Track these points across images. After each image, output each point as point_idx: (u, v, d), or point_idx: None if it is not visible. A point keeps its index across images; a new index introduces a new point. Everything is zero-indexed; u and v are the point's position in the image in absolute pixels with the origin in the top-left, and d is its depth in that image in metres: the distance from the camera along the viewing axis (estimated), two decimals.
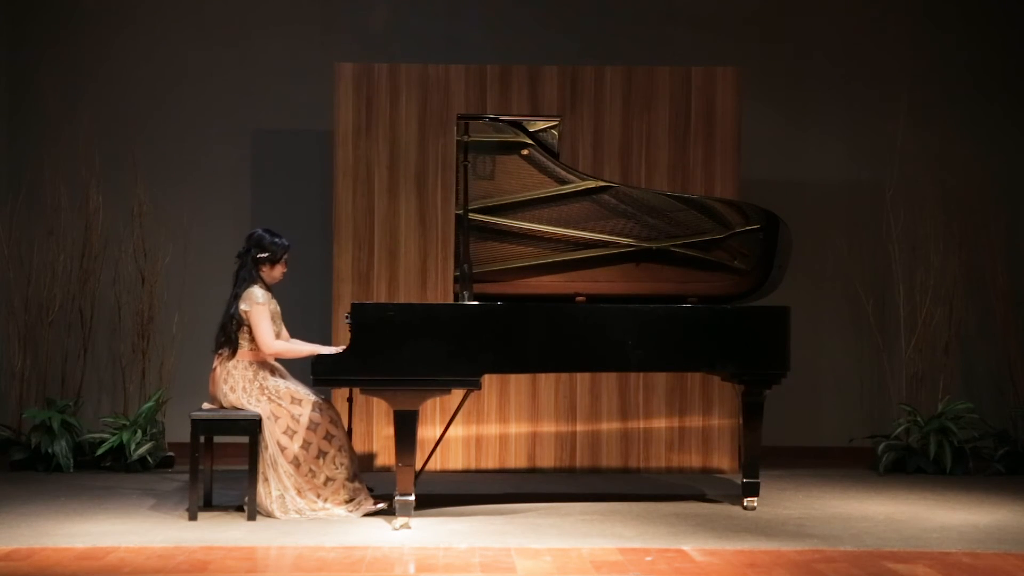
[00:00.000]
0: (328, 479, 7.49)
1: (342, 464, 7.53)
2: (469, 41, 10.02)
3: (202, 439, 7.54)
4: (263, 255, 7.65)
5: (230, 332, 7.59)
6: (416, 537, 6.94)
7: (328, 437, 7.51)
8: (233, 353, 7.58)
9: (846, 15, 10.14)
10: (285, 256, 7.72)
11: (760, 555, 6.53)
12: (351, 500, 7.50)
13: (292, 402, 7.52)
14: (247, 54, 10.03)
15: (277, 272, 7.71)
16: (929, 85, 10.09)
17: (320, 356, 7.27)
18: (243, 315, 7.58)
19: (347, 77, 9.23)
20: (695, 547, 6.68)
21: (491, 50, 9.95)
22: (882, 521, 7.47)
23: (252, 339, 7.58)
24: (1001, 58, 10.13)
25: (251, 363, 7.59)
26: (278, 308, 7.72)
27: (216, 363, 7.64)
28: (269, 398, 7.52)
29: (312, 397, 7.58)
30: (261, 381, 7.56)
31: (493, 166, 7.99)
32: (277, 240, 7.70)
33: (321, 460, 7.48)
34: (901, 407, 9.50)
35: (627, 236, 8.04)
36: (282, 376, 7.70)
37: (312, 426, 7.49)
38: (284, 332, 7.78)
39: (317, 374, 7.21)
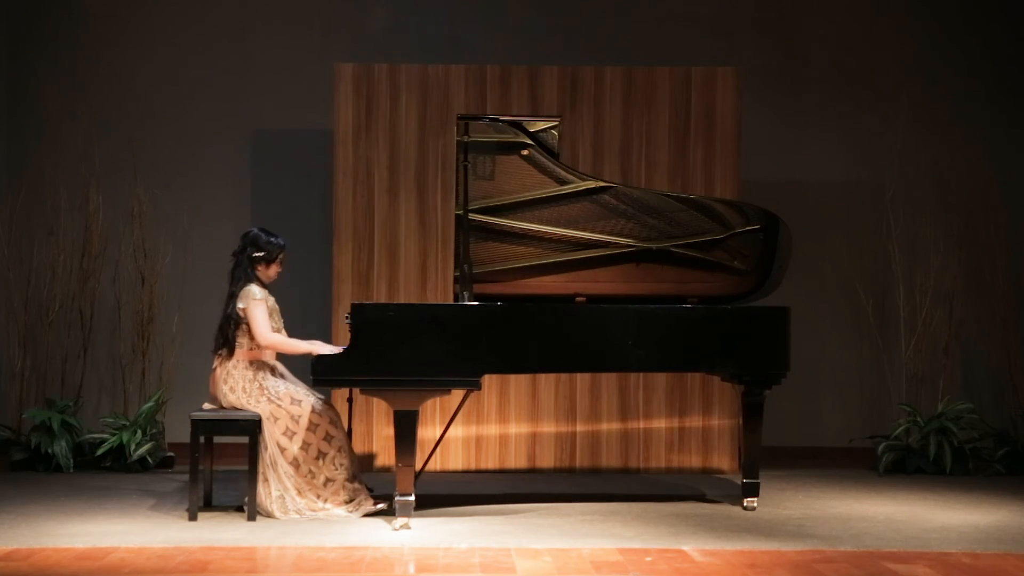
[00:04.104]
0: (328, 480, 7.48)
1: (342, 465, 7.51)
2: (469, 41, 10.02)
3: (202, 439, 7.54)
4: (259, 254, 7.65)
5: (228, 332, 7.58)
6: (416, 537, 6.94)
7: (328, 438, 7.50)
8: (231, 353, 7.56)
9: (846, 15, 10.14)
10: (281, 256, 7.72)
11: (760, 555, 6.53)
12: (351, 500, 7.49)
13: (292, 403, 7.51)
14: (247, 54, 10.03)
15: (273, 271, 7.71)
16: (929, 85, 10.09)
17: (320, 356, 7.27)
18: (240, 313, 7.56)
19: (347, 77, 9.23)
20: (695, 547, 6.68)
21: (491, 50, 9.95)
22: (882, 521, 7.47)
23: (251, 338, 7.57)
24: (1002, 57, 10.12)
25: (251, 363, 7.57)
26: (276, 305, 7.71)
27: (216, 364, 7.64)
28: (269, 399, 7.51)
29: (311, 398, 7.56)
30: (261, 381, 7.54)
31: (493, 166, 7.99)
32: (273, 239, 7.69)
33: (321, 461, 7.47)
34: (901, 407, 9.50)
35: (627, 236, 8.04)
36: (282, 377, 7.69)
37: (312, 427, 7.48)
38: (283, 331, 7.77)
39: (317, 374, 7.21)
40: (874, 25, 10.13)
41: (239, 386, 7.53)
